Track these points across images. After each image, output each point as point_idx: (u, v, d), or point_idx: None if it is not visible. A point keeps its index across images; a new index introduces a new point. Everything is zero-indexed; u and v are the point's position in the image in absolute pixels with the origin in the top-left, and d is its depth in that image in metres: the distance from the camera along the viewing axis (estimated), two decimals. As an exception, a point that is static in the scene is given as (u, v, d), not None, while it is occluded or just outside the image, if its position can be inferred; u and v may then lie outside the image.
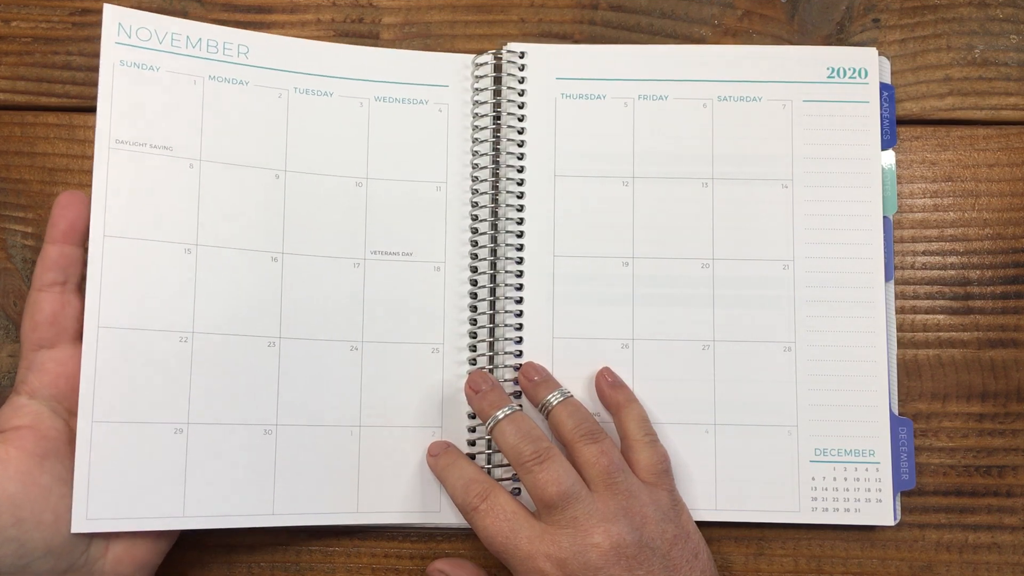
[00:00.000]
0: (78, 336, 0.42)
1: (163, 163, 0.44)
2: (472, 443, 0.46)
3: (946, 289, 0.49)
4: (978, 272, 0.49)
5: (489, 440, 0.45)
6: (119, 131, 0.43)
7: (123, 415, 0.41)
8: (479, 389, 0.45)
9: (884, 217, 0.48)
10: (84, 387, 0.41)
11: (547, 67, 0.49)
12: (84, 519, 0.39)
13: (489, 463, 0.45)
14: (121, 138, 0.43)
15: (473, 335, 0.47)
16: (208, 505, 0.42)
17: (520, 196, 0.48)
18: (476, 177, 0.48)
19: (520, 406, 0.45)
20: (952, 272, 0.49)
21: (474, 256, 0.48)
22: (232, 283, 0.44)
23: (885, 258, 0.48)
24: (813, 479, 0.46)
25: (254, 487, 0.43)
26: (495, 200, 0.48)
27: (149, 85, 0.44)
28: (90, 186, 0.48)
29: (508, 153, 0.48)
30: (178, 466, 0.42)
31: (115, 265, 0.42)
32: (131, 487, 0.41)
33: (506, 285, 0.47)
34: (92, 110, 0.48)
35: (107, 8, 0.44)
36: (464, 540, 0.47)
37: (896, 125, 0.49)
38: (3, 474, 0.38)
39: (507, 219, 0.48)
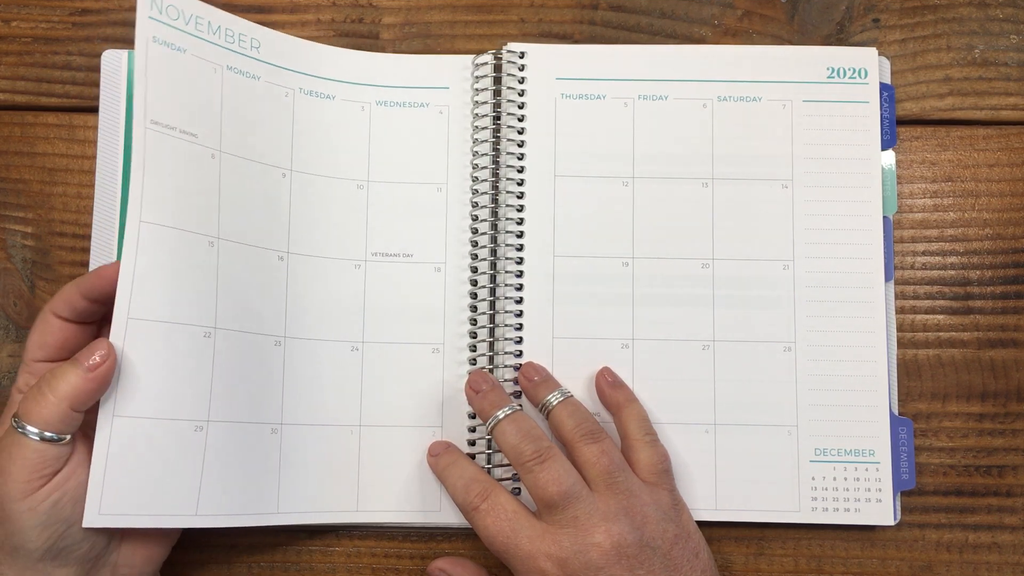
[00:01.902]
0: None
1: (190, 150, 0.43)
2: (472, 443, 0.46)
3: (946, 289, 0.49)
4: (978, 272, 0.49)
5: (489, 440, 0.45)
6: (153, 111, 0.42)
7: (146, 411, 0.40)
8: (479, 389, 0.45)
9: (884, 217, 0.48)
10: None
11: (547, 67, 0.49)
12: (96, 514, 0.39)
13: (489, 463, 0.45)
14: (156, 119, 0.42)
15: (473, 335, 0.47)
16: (219, 503, 0.42)
17: (520, 196, 0.48)
18: (476, 178, 0.48)
19: (520, 406, 0.45)
20: (952, 272, 0.49)
21: (474, 256, 0.48)
22: (246, 279, 0.44)
23: (885, 258, 0.48)
24: (813, 479, 0.46)
25: (261, 486, 0.43)
26: (495, 200, 0.48)
27: (177, 67, 0.44)
28: (91, 186, 0.48)
29: (508, 153, 0.48)
30: (196, 463, 0.41)
31: (148, 253, 0.41)
32: (147, 484, 0.40)
33: (506, 285, 0.47)
34: (92, 110, 0.48)
35: None
36: (464, 540, 0.47)
37: (896, 125, 0.49)
38: (80, 460, 0.39)
39: (507, 219, 0.48)
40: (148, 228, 0.41)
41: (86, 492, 0.39)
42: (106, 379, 0.38)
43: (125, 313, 0.40)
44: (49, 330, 0.41)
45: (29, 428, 0.37)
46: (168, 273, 0.42)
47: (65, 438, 0.38)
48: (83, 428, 0.40)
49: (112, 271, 0.40)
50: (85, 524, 0.38)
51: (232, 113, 0.45)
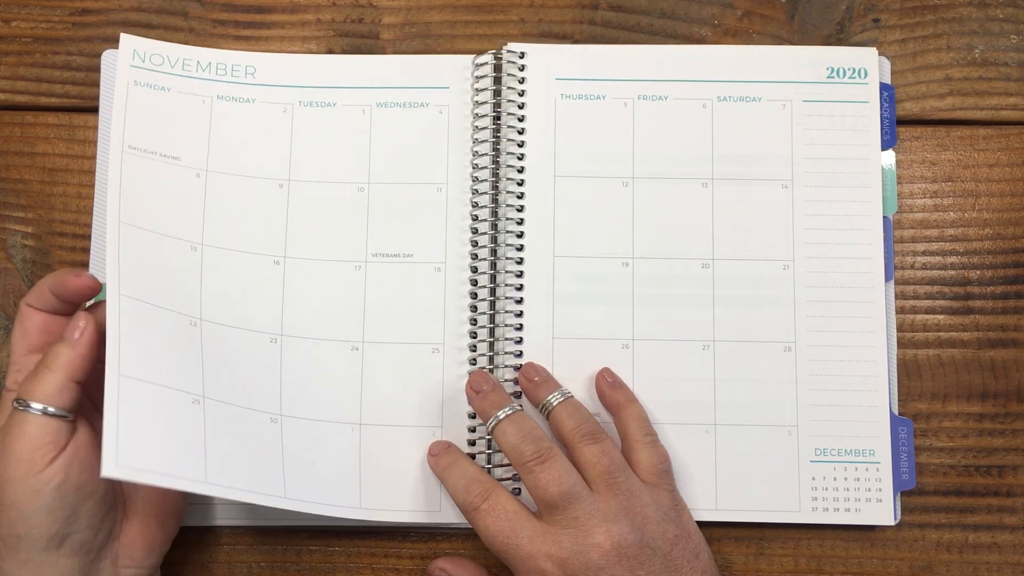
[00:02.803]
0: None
1: (172, 170, 0.45)
2: (472, 443, 0.46)
3: (946, 289, 0.49)
4: (978, 272, 0.49)
5: (489, 440, 0.45)
6: (132, 138, 0.44)
7: (146, 375, 0.41)
8: (480, 389, 0.45)
9: (884, 217, 0.48)
10: (111, 342, 0.40)
11: (547, 67, 0.49)
12: (114, 465, 0.38)
13: (489, 463, 0.45)
14: (134, 144, 0.44)
15: (473, 335, 0.47)
16: (226, 475, 0.42)
17: (520, 196, 0.48)
18: (476, 178, 0.48)
19: (521, 406, 0.45)
20: (952, 272, 0.49)
21: (474, 256, 0.48)
22: (234, 282, 0.45)
23: (885, 258, 0.48)
24: (813, 479, 0.46)
25: (266, 468, 0.43)
26: (495, 200, 0.48)
27: (160, 103, 0.46)
28: (91, 186, 0.48)
29: (508, 153, 0.48)
30: (198, 434, 0.41)
31: (128, 249, 0.42)
32: (158, 443, 0.40)
33: (506, 285, 0.47)
34: (92, 110, 0.48)
35: (123, 38, 0.46)
36: (464, 539, 0.47)
37: (896, 125, 0.49)
38: (83, 442, 0.39)
39: (507, 219, 0.48)
40: (126, 228, 0.42)
41: (89, 477, 0.39)
42: (92, 343, 0.39)
43: (116, 291, 0.41)
44: (28, 318, 0.41)
45: (32, 404, 0.38)
46: (148, 266, 0.43)
47: (67, 416, 0.38)
48: (84, 413, 0.40)
49: (82, 283, 0.41)
50: (103, 474, 0.37)
51: (221, 137, 0.47)
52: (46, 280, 0.41)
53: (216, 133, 0.46)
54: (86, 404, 0.41)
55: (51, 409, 0.38)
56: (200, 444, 0.41)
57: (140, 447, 0.39)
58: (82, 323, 0.39)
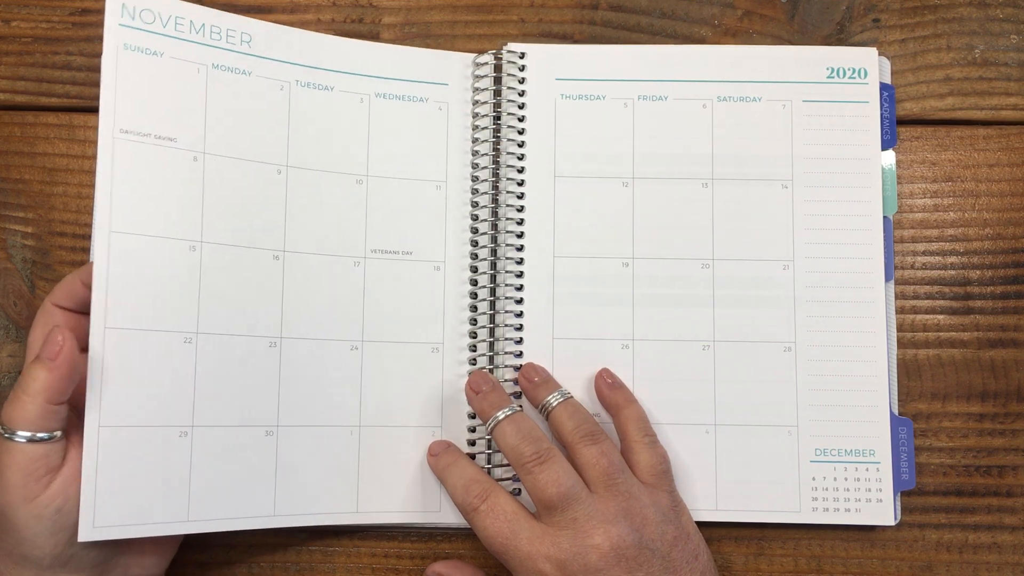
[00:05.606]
0: (85, 348, 0.41)
1: (167, 156, 0.43)
2: (472, 443, 0.46)
3: (946, 289, 0.49)
4: (978, 272, 0.49)
5: (489, 440, 0.45)
6: (123, 120, 0.42)
7: (129, 419, 0.41)
8: (480, 389, 0.45)
9: (884, 217, 0.48)
10: (91, 391, 0.40)
11: (547, 67, 0.49)
12: (91, 527, 0.39)
13: (489, 463, 0.45)
14: (125, 127, 0.42)
15: (473, 335, 0.47)
16: (211, 508, 0.42)
17: (520, 196, 0.48)
18: (476, 177, 0.48)
19: (520, 407, 0.45)
20: (952, 272, 0.49)
21: (474, 256, 0.48)
22: (235, 282, 0.44)
23: (885, 258, 0.48)
24: (813, 479, 0.46)
25: (256, 489, 0.43)
26: (495, 200, 0.48)
27: (153, 72, 0.43)
28: (91, 186, 0.48)
29: (508, 153, 0.48)
30: (183, 469, 0.41)
31: (121, 263, 0.41)
32: (137, 492, 0.40)
33: (506, 285, 0.47)
34: (92, 110, 0.48)
35: None
36: (464, 540, 0.47)
37: (896, 125, 0.49)
38: (80, 466, 0.39)
39: (507, 219, 0.48)
40: (119, 238, 0.41)
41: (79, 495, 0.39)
42: (69, 364, 0.38)
43: (102, 323, 0.40)
44: (52, 321, 0.41)
45: (15, 432, 0.37)
46: (143, 282, 0.42)
47: (55, 435, 0.38)
48: (77, 423, 0.40)
49: None
50: (81, 539, 0.38)
51: (219, 112, 0.44)
52: (76, 275, 0.41)
53: (213, 108, 0.44)
54: (76, 417, 0.40)
55: (38, 435, 0.37)
56: (184, 480, 0.41)
57: (118, 502, 0.39)
58: (59, 340, 0.38)
